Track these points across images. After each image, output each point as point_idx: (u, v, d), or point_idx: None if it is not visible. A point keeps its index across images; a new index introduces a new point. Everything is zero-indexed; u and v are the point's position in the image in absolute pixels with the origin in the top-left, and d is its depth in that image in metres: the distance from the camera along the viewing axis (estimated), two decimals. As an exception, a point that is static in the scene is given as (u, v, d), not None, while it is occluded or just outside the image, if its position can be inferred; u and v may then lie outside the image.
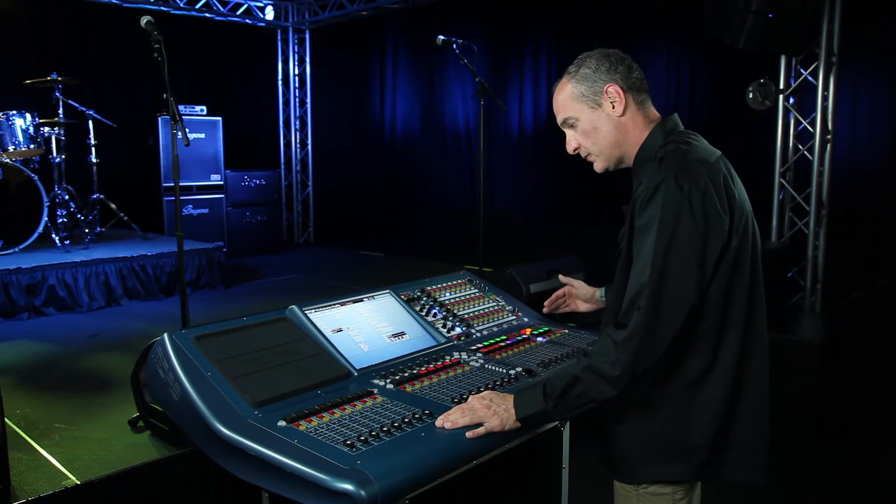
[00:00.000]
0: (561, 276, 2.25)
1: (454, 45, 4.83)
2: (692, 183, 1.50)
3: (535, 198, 8.96)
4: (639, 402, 1.61)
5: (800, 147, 5.08)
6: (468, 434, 1.57)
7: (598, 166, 1.76)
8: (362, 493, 1.32)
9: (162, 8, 8.13)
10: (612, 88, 1.66)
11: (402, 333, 2.18)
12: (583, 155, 1.76)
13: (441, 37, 4.83)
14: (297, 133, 9.90)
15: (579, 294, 2.19)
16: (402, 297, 2.35)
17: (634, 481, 1.66)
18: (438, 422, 1.60)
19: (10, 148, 5.78)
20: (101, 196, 6.35)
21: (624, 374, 1.48)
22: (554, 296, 2.23)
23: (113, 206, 6.42)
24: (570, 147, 1.76)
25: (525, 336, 2.30)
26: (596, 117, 1.69)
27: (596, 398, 1.52)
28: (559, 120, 1.76)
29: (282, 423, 1.59)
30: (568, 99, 1.71)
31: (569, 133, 1.75)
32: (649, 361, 1.49)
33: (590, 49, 1.73)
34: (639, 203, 1.55)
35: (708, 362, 1.56)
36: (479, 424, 1.58)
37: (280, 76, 9.78)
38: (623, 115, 1.67)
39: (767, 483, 1.64)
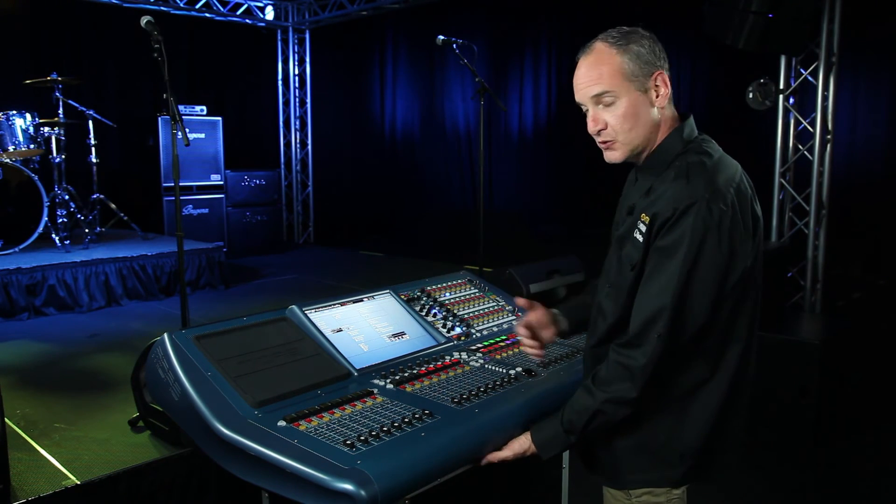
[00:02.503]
0: (518, 299, 1.93)
1: (454, 45, 4.83)
2: (722, 210, 1.43)
3: (535, 198, 8.95)
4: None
5: (800, 147, 5.08)
6: (488, 457, 1.63)
7: (617, 156, 1.58)
8: (362, 493, 1.32)
9: (162, 8, 8.13)
10: (662, 77, 1.53)
11: (402, 333, 2.18)
12: (603, 138, 1.57)
13: (441, 37, 4.83)
14: (297, 133, 9.90)
15: (539, 326, 1.86)
16: (402, 297, 2.35)
17: (622, 487, 1.65)
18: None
19: (10, 148, 5.78)
20: (101, 196, 6.35)
21: (641, 394, 1.49)
22: (528, 344, 1.87)
23: (113, 206, 6.42)
24: (596, 126, 1.55)
25: (525, 336, 2.30)
26: (641, 102, 1.52)
27: (616, 421, 1.55)
28: (592, 91, 1.53)
29: (282, 423, 1.59)
30: (616, 72, 1.51)
31: (596, 111, 1.55)
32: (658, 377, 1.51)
33: None
34: (660, 220, 1.47)
35: (707, 374, 1.54)
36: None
37: (280, 76, 9.78)
38: (664, 107, 1.55)
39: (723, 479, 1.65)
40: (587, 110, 1.58)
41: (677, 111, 1.62)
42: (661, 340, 1.45)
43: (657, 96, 1.54)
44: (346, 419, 1.62)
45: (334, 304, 2.15)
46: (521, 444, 1.64)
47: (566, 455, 2.25)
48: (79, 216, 6.10)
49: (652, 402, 1.55)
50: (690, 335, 1.48)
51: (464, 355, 2.09)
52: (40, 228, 5.64)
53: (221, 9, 8.70)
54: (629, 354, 1.49)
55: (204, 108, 7.96)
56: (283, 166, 9.83)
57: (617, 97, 1.52)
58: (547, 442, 1.61)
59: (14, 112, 5.84)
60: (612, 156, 1.59)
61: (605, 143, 1.58)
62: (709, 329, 1.50)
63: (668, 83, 1.54)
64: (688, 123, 1.59)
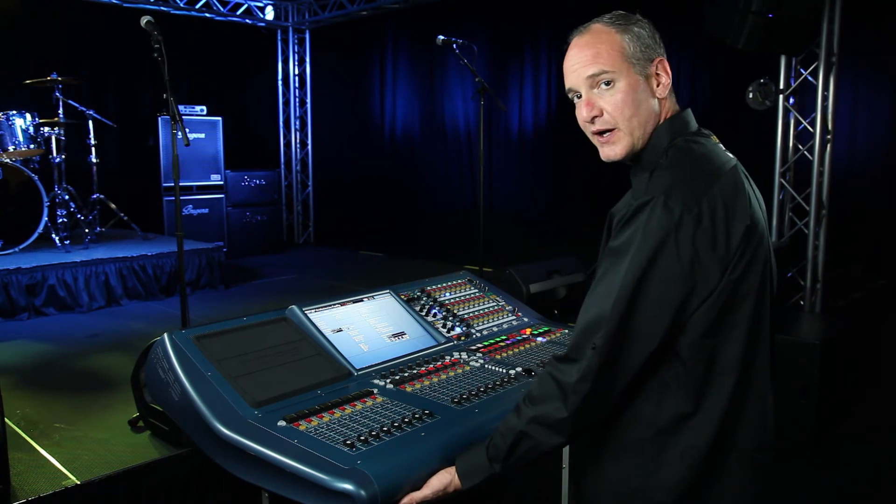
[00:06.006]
0: None
1: (454, 45, 4.83)
2: (685, 207, 1.22)
3: (535, 198, 8.96)
4: (602, 447, 1.39)
5: (800, 147, 5.07)
6: (405, 501, 1.43)
7: (617, 150, 1.37)
8: (362, 493, 1.32)
9: (162, 8, 8.12)
10: (663, 64, 1.36)
11: (402, 333, 2.18)
12: (599, 127, 1.37)
13: (441, 37, 4.83)
14: (297, 133, 9.90)
15: None
16: (402, 297, 2.35)
17: None
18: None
19: (10, 148, 5.78)
20: (101, 196, 6.35)
21: (572, 417, 1.28)
22: None
23: (113, 206, 6.42)
24: (590, 112, 1.36)
25: (525, 336, 2.30)
26: (642, 88, 1.34)
27: (546, 449, 1.35)
28: (588, 72, 1.35)
29: (282, 423, 1.59)
30: (615, 51, 1.33)
31: (591, 94, 1.36)
32: (599, 409, 1.31)
33: None
34: (617, 218, 1.32)
35: (689, 408, 1.30)
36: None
37: (280, 76, 9.78)
38: (665, 98, 1.38)
39: None
40: (579, 98, 1.39)
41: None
42: (598, 354, 1.24)
43: (658, 85, 1.37)
44: (346, 419, 1.62)
45: (334, 304, 2.15)
46: (442, 479, 1.43)
47: (566, 455, 2.25)
48: (79, 216, 6.10)
49: (621, 440, 1.36)
50: (636, 360, 1.26)
51: (464, 355, 2.09)
52: (40, 228, 5.64)
53: (221, 9, 8.70)
54: (562, 369, 1.30)
55: (204, 108, 7.96)
56: (283, 166, 9.83)
57: (616, 79, 1.34)
58: (469, 470, 1.42)
59: (14, 112, 5.84)
60: (611, 151, 1.39)
61: (601, 133, 1.38)
62: (677, 355, 1.29)
63: (669, 72, 1.37)
64: (680, 117, 1.40)
